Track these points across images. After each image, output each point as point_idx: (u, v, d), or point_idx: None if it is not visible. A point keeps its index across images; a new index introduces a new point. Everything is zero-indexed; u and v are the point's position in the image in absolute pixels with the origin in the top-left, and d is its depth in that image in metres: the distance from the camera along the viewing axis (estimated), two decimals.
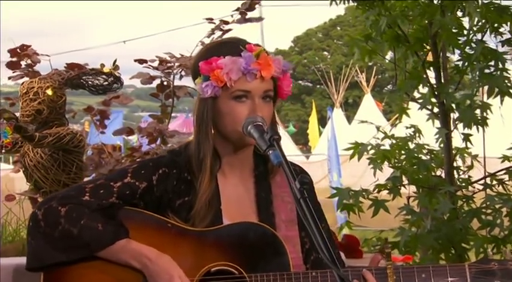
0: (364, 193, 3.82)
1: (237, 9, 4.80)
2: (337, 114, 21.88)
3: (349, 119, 24.06)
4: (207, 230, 2.12)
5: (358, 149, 3.99)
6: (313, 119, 27.37)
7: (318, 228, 1.80)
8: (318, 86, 41.15)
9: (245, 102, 2.15)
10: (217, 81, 2.14)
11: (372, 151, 3.98)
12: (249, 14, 4.87)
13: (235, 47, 2.17)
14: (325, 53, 45.22)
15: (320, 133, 25.35)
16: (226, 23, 4.77)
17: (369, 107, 20.91)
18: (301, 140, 37.29)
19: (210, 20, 4.79)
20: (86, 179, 3.93)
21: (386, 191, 3.88)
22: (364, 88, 22.39)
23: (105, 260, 2.09)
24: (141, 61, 4.75)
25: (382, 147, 3.99)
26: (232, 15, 4.87)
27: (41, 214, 2.10)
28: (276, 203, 2.21)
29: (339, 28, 44.41)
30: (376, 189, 3.85)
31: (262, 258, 2.09)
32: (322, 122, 30.14)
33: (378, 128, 4.04)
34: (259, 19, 4.85)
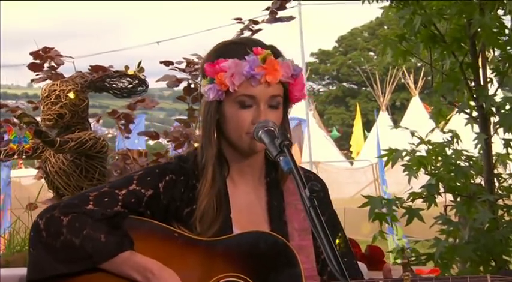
0: (397, 201, 3.80)
1: (267, 9, 4.80)
2: (383, 118, 21.80)
3: (396, 123, 23.90)
4: (216, 239, 2.12)
5: (392, 155, 3.97)
6: (357, 123, 27.29)
7: (328, 237, 1.80)
8: (363, 88, 40.98)
9: (250, 108, 2.14)
10: (221, 84, 2.13)
11: (408, 157, 3.96)
12: (284, 13, 4.87)
13: (242, 48, 2.16)
14: (371, 53, 45.02)
15: (365, 138, 25.28)
16: (256, 22, 4.77)
17: (417, 111, 20.78)
18: (346, 145, 37.13)
19: (239, 20, 4.81)
20: None
21: (421, 200, 3.85)
22: (411, 90, 22.25)
23: (108, 273, 2.09)
24: (167, 63, 4.77)
25: (418, 154, 3.96)
26: (269, 15, 4.88)
27: (43, 223, 2.10)
28: (289, 211, 2.20)
29: (386, 27, 44.17)
30: (410, 198, 3.83)
31: (273, 269, 2.08)
32: (368, 126, 30.02)
33: (412, 133, 4.01)
34: (290, 18, 4.83)
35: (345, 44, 45.74)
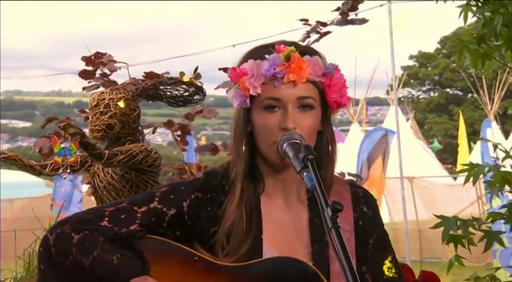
0: (475, 223, 3.73)
1: (337, 9, 4.80)
2: (492, 128, 21.32)
3: (508, 133, 23.40)
4: (240, 265, 2.10)
5: (473, 170, 3.91)
6: (462, 134, 26.82)
7: (349, 262, 1.79)
8: (469, 95, 40.28)
9: (277, 112, 2.12)
10: (244, 89, 2.13)
11: (491, 173, 3.89)
12: (371, 12, 4.87)
13: (266, 49, 2.15)
14: None
15: (470, 150, 24.81)
16: (324, 24, 4.78)
17: None
18: (449, 158, 36.55)
19: (305, 21, 4.82)
20: None
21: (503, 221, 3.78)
22: None
23: None
24: (226, 70, 4.81)
25: (502, 169, 3.89)
26: (356, 14, 4.87)
27: (53, 239, 2.11)
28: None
29: None
30: (490, 219, 3.76)
31: None
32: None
33: (495, 147, 3.95)
34: (363, 21, 4.81)
35: (449, 46, 45.02)
